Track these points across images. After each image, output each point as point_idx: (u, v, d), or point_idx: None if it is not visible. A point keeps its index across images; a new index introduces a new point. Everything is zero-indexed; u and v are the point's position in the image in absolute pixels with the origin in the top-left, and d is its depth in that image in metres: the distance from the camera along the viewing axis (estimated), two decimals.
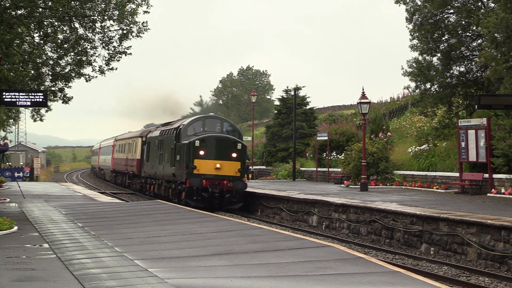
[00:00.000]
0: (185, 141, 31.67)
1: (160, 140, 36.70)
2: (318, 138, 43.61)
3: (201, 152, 30.78)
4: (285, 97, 55.11)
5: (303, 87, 54.05)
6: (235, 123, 62.44)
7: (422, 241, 20.19)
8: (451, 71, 33.29)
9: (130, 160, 48.32)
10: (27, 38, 23.52)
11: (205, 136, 31.15)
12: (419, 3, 32.96)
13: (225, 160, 30.84)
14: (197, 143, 30.77)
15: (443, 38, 32.99)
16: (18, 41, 22.86)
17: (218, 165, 30.74)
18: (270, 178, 47.17)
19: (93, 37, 23.54)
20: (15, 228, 18.60)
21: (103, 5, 23.03)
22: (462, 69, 33.58)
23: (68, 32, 23.28)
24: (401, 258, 18.84)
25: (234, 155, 31.05)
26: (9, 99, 24.60)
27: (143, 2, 23.27)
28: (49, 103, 26.17)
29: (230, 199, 30.85)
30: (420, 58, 33.33)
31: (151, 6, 23.41)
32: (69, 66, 24.43)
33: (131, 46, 24.02)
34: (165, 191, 35.42)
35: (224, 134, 32.15)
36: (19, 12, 21.93)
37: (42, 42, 23.61)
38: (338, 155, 43.14)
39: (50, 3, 21.95)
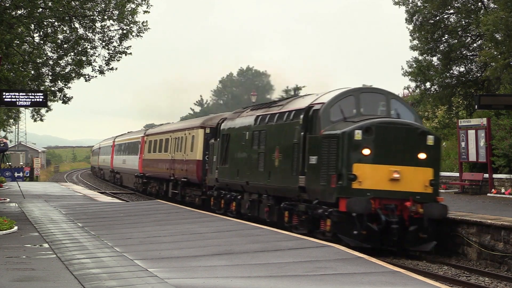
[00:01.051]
0: (330, 130, 18.73)
1: (260, 130, 23.21)
2: None
3: (365, 151, 18.06)
4: (285, 97, 55.14)
5: (303, 87, 54.17)
6: None
7: None
8: (451, 71, 33.37)
9: (180, 162, 34.17)
10: (27, 38, 23.53)
11: (371, 123, 18.31)
12: (419, 3, 32.99)
13: (407, 165, 18.25)
14: (358, 134, 18.02)
15: (443, 39, 33.05)
16: (18, 41, 22.88)
17: (396, 174, 18.08)
18: None
19: (93, 37, 23.58)
20: (15, 228, 18.60)
21: (103, 5, 23.04)
22: (462, 69, 33.66)
23: (68, 32, 23.31)
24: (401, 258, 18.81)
25: (422, 156, 18.35)
26: (9, 99, 24.64)
27: (143, 2, 23.28)
28: (49, 103, 26.20)
29: (416, 234, 18.02)
30: (420, 58, 33.40)
31: (151, 6, 23.43)
32: (69, 66, 24.46)
33: (131, 46, 24.06)
34: (271, 214, 22.08)
35: (401, 119, 19.20)
36: (19, 12, 21.94)
37: (42, 42, 23.63)
38: None
39: (50, 3, 21.97)
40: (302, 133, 19.87)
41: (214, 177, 27.39)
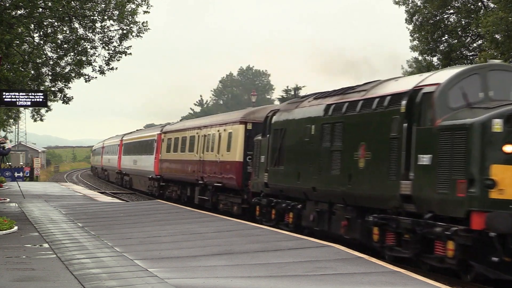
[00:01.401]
0: (452, 120, 14.21)
1: (333, 123, 18.37)
2: None
3: (508, 148, 13.34)
4: (285, 97, 55.19)
5: (303, 87, 54.20)
6: None
7: None
8: None
9: (212, 164, 29.12)
10: (27, 38, 23.55)
11: None
12: (419, 3, 33.04)
13: None
14: (497, 125, 13.37)
15: (443, 39, 33.11)
16: (18, 41, 22.90)
17: None
18: None
19: (93, 37, 23.60)
20: (15, 228, 18.61)
21: (103, 5, 23.06)
22: None
23: (68, 32, 23.33)
24: None
25: None
26: (9, 99, 24.67)
27: (143, 2, 23.29)
28: (49, 103, 26.23)
29: None
30: (420, 58, 33.49)
31: (151, 6, 23.45)
32: (69, 66, 24.48)
33: (131, 46, 24.09)
34: (351, 230, 17.27)
35: None
36: (19, 12, 21.96)
37: (42, 42, 23.65)
38: None
39: (50, 3, 21.99)
40: (405, 125, 15.19)
41: (262, 181, 22.63)
